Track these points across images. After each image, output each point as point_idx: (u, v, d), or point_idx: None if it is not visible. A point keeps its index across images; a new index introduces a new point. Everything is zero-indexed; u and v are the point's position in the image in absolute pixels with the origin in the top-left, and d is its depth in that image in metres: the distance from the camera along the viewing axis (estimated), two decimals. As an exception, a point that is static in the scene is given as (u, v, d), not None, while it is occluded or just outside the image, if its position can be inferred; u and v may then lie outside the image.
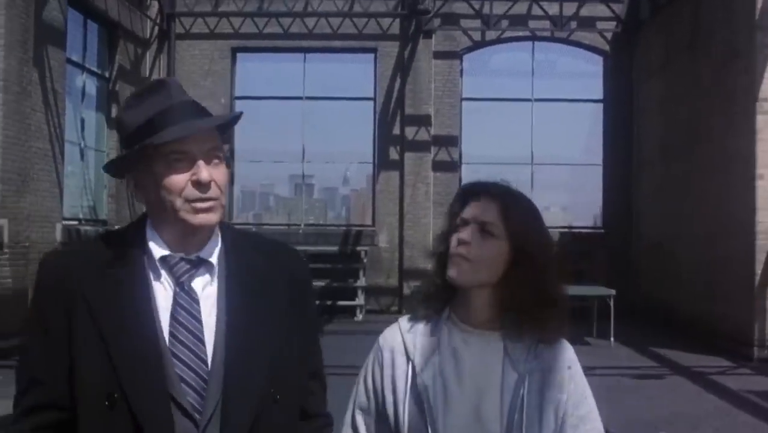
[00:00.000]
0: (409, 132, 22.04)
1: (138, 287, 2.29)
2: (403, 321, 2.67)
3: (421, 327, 2.61)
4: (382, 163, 22.37)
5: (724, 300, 15.23)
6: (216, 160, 2.30)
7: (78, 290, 2.28)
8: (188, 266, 2.34)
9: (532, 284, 2.48)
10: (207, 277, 2.36)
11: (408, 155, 22.02)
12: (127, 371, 2.20)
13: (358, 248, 21.68)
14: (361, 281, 21.21)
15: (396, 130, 22.18)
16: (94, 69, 19.05)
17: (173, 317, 2.28)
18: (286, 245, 2.64)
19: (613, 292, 16.32)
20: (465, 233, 2.49)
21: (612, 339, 15.74)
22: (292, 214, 24.03)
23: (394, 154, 22.21)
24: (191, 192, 2.26)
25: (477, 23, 21.97)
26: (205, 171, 2.26)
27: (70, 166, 17.35)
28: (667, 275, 18.39)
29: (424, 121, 22.04)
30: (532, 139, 22.35)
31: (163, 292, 2.31)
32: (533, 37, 22.59)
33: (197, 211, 2.28)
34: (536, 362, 2.50)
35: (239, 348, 2.28)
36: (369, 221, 23.18)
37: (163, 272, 2.33)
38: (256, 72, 22.70)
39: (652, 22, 20.62)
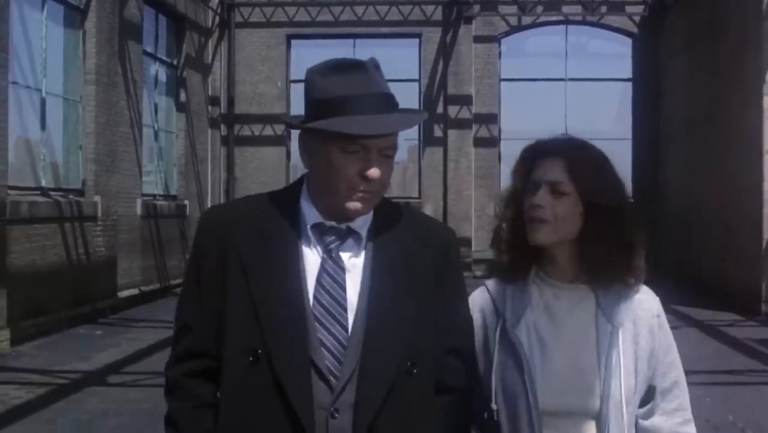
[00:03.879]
0: (452, 111, 23.46)
1: (288, 250, 2.32)
2: (491, 283, 2.68)
3: (510, 286, 2.60)
4: (427, 140, 23.77)
5: (737, 261, 16.81)
6: (389, 156, 2.29)
7: (233, 245, 2.32)
8: (338, 235, 2.34)
9: (608, 234, 2.47)
10: (355, 247, 2.36)
11: (451, 132, 23.46)
12: (272, 331, 2.24)
13: (406, 218, 23.18)
14: (409, 249, 22.65)
15: (440, 109, 23.53)
16: (164, 58, 20.74)
17: (318, 282, 2.31)
18: (437, 221, 2.63)
19: (638, 256, 17.94)
20: (538, 197, 2.48)
21: (637, 298, 17.28)
22: (335, 186, 25.46)
23: (438, 131, 23.62)
24: (357, 182, 2.25)
25: (514, 9, 23.37)
26: (376, 168, 2.24)
27: (145, 147, 19.02)
28: (688, 239, 19.91)
29: (465, 100, 23.47)
30: (566, 116, 23.43)
31: (311, 257, 2.33)
32: (566, 21, 23.85)
33: (356, 200, 2.27)
34: (627, 312, 2.51)
35: (380, 318, 2.28)
36: (411, 192, 24.62)
37: (313, 238, 2.34)
38: (310, 57, 23.01)
39: (676, 6, 21.90)
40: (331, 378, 2.25)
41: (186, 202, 21.12)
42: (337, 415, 2.24)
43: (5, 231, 12.22)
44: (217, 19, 23.78)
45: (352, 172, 2.24)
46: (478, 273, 21.19)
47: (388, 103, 2.28)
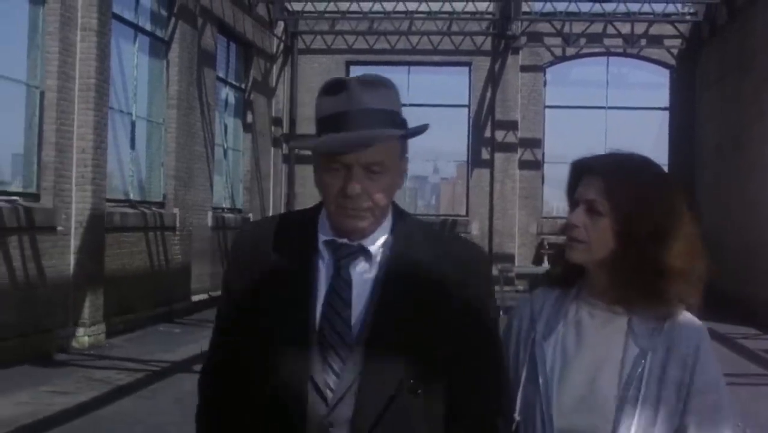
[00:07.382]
0: (499, 135, 24.81)
1: (301, 267, 2.31)
2: (536, 293, 2.63)
3: (551, 300, 2.56)
4: (474, 161, 25.17)
5: (756, 280, 18.10)
6: (376, 172, 2.23)
7: (256, 262, 2.34)
8: (349, 252, 2.32)
9: (641, 258, 2.38)
10: (366, 264, 2.32)
11: (497, 155, 24.79)
12: (275, 346, 2.24)
13: (454, 235, 24.46)
14: (457, 264, 23.91)
15: (487, 134, 24.96)
16: (234, 82, 22.43)
17: (326, 299, 2.28)
18: (463, 239, 2.55)
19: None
20: (574, 216, 2.42)
21: (664, 313, 18.50)
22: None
23: (485, 154, 25.00)
24: (341, 200, 2.23)
25: (558, 41, 24.76)
26: (354, 185, 2.20)
27: (216, 164, 20.59)
28: (713, 259, 21.12)
29: (511, 125, 24.79)
30: (606, 142, 23.65)
31: (323, 274, 2.31)
32: (608, 53, 25.07)
33: (345, 216, 2.25)
34: (661, 339, 2.39)
35: (383, 335, 2.24)
36: (458, 209, 26.06)
37: (326, 255, 2.32)
38: (367, 82, 25.10)
39: (711, 41, 23.15)
40: (328, 392, 2.22)
41: (250, 215, 22.68)
42: (332, 430, 2.22)
43: (104, 238, 13.96)
44: (282, 46, 25.42)
45: (334, 190, 2.23)
46: (521, 287, 22.69)
47: (372, 118, 2.22)
